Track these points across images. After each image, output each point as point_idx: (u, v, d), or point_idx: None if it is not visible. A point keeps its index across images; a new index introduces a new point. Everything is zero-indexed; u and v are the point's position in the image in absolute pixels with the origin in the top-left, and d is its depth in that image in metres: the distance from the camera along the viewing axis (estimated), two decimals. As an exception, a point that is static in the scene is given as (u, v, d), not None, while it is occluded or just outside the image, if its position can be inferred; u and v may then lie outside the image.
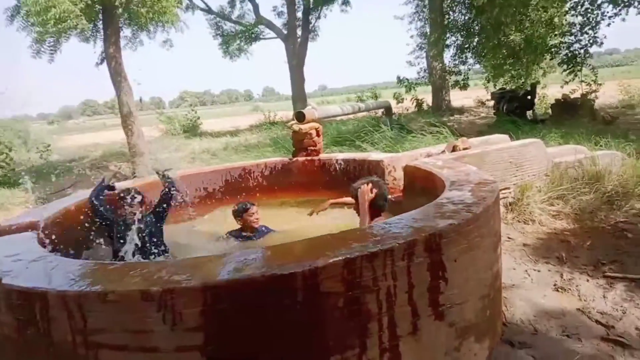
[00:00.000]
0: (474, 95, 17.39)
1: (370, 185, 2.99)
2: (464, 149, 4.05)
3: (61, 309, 1.66)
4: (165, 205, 3.46)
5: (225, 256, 1.85)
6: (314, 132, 4.52)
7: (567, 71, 10.62)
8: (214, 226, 3.91)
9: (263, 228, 3.66)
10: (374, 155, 4.25)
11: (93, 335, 1.66)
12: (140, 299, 1.61)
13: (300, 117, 4.52)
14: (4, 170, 9.58)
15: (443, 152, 4.14)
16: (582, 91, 10.52)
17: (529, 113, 10.10)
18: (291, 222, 3.93)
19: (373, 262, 1.77)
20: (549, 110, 11.23)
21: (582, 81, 10.60)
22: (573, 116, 9.28)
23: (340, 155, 4.54)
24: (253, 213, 3.55)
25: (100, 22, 9.18)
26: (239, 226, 3.60)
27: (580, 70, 10.43)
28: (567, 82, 10.97)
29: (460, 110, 15.41)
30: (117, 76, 9.06)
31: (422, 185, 3.43)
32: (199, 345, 1.63)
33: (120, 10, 8.63)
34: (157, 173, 3.58)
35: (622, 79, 17.70)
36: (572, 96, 10.46)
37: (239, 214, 3.56)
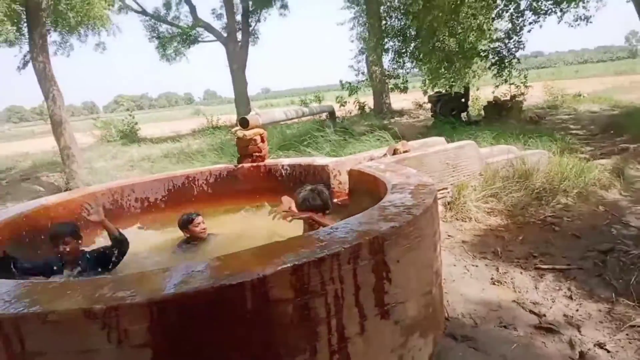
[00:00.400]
0: (412, 97, 18.04)
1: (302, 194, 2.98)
2: (404, 151, 4.22)
3: (-4, 334, 1.57)
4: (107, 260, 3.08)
5: (171, 269, 1.83)
6: (258, 138, 4.52)
7: (497, 75, 11.33)
8: (159, 238, 3.80)
9: (210, 236, 3.62)
10: (319, 160, 4.32)
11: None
12: (83, 317, 1.56)
13: (244, 123, 4.50)
14: None
15: (385, 155, 4.29)
16: (512, 93, 11.26)
17: (463, 115, 10.65)
18: (235, 229, 3.89)
19: (320, 267, 1.82)
20: (482, 112, 11.90)
21: (511, 84, 11.33)
22: (504, 117, 9.89)
23: (285, 160, 4.57)
24: (199, 223, 3.50)
25: (25, 25, 8.63)
26: (186, 237, 3.54)
27: (509, 74, 11.16)
28: (497, 86, 11.69)
29: (401, 113, 15.94)
30: (46, 82, 8.55)
31: (366, 189, 3.54)
32: (148, 361, 1.61)
33: (45, 13, 8.16)
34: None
35: (547, 80, 19.06)
36: (502, 98, 11.15)
37: (185, 225, 3.49)
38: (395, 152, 4.25)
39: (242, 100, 19.86)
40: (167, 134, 19.22)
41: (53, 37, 9.86)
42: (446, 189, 4.38)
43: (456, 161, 4.31)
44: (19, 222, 3.34)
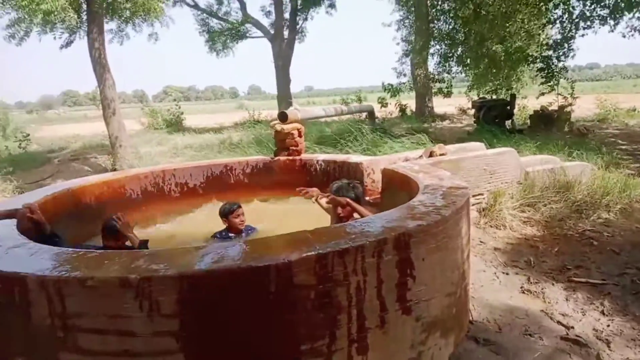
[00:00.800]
0: (457, 103, 17.72)
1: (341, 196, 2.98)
2: (441, 154, 4.19)
3: (40, 293, 1.71)
4: None
5: (203, 248, 1.92)
6: (296, 133, 4.61)
7: (543, 83, 10.94)
8: (197, 226, 3.93)
9: (248, 229, 3.69)
10: (354, 157, 4.36)
11: (72, 319, 1.71)
12: (119, 285, 1.67)
13: (282, 117, 4.60)
14: (-21, 159, 9.42)
15: (420, 157, 4.27)
16: (559, 103, 10.85)
17: (507, 122, 10.38)
18: (272, 220, 3.96)
19: (344, 258, 1.86)
20: (527, 121, 11.54)
21: (559, 94, 10.93)
22: (550, 127, 9.57)
23: (321, 156, 4.63)
24: (239, 215, 3.54)
25: (85, 14, 9.11)
26: (225, 226, 3.61)
27: (557, 83, 10.76)
28: (542, 93, 11.30)
29: (443, 117, 15.70)
30: (100, 68, 8.99)
31: (398, 188, 3.55)
32: (175, 331, 1.70)
33: (104, 3, 8.59)
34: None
35: (601, 93, 18.24)
36: (549, 108, 10.78)
37: (225, 214, 3.57)
38: (431, 155, 4.22)
39: (284, 97, 20.13)
40: (210, 126, 19.72)
41: (110, 25, 10.29)
42: (482, 194, 4.31)
43: (494, 167, 4.24)
44: (65, 196, 3.55)
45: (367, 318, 1.95)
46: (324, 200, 3.24)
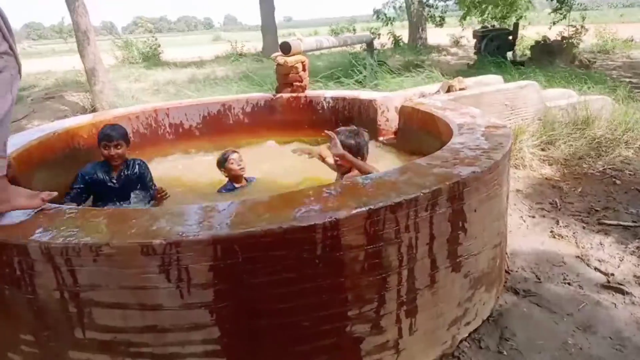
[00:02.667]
0: (450, 34, 16.94)
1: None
2: (460, 89, 3.87)
3: (46, 263, 1.43)
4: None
5: (232, 204, 1.64)
6: (300, 66, 4.19)
7: (556, 10, 10.32)
8: (199, 177, 3.59)
9: (251, 178, 3.36)
10: (365, 94, 4.00)
11: (85, 292, 1.46)
12: (141, 253, 1.40)
13: (285, 48, 4.15)
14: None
15: (437, 92, 3.95)
16: (566, 34, 10.33)
17: (509, 54, 9.94)
18: (275, 166, 3.62)
19: (397, 213, 1.62)
20: (527, 52, 11.11)
21: (569, 25, 10.29)
22: (552, 59, 9.19)
23: (329, 92, 4.25)
24: (233, 161, 3.18)
25: None
26: (226, 178, 3.29)
27: (569, 10, 10.18)
28: (554, 23, 10.78)
29: (437, 49, 15.04)
30: (71, -5, 8.13)
31: (420, 128, 3.27)
32: (208, 302, 1.47)
33: None
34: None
35: (593, 22, 17.63)
36: (551, 39, 10.31)
37: (221, 164, 3.23)
38: (449, 90, 3.90)
39: (269, 28, 18.98)
40: (189, 59, 18.69)
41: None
42: (500, 132, 4.06)
43: (515, 102, 3.96)
44: (52, 140, 3.18)
45: (417, 278, 1.75)
46: (327, 156, 2.90)
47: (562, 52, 9.49)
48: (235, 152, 3.28)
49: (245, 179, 3.29)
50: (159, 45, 18.03)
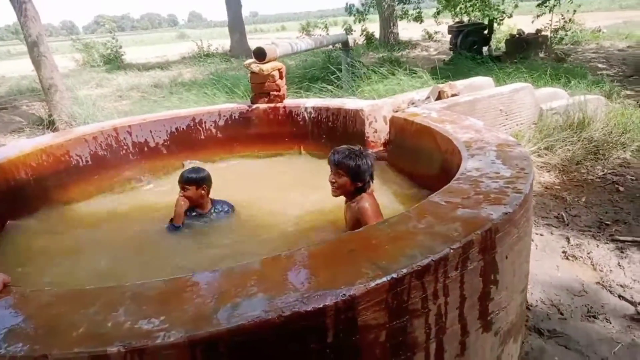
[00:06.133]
0: (421, 28, 16.71)
1: None
2: (452, 95, 3.57)
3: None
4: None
5: (215, 276, 1.27)
6: (276, 74, 3.80)
7: (540, 4, 10.08)
8: (159, 195, 3.16)
9: (220, 206, 2.78)
10: (350, 102, 3.65)
11: None
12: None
13: (260, 54, 3.75)
14: None
15: (428, 98, 3.64)
16: (553, 26, 10.14)
17: (484, 49, 9.78)
18: (255, 188, 3.19)
19: (424, 278, 1.29)
20: (501, 46, 10.99)
21: (564, 17, 9.97)
22: (527, 53, 9.07)
23: (310, 101, 3.87)
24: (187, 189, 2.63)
25: None
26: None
27: (557, 3, 9.93)
28: (538, 16, 10.62)
29: (410, 44, 14.79)
30: (18, -2, 7.43)
31: (415, 143, 2.94)
32: None
33: None
34: None
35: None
36: (525, 32, 10.20)
37: (183, 184, 2.65)
38: (440, 96, 3.60)
39: (236, 26, 18.38)
40: (154, 60, 17.93)
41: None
42: (494, 139, 3.79)
43: (510, 107, 3.69)
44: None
45: (446, 350, 1.43)
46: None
47: (537, 45, 9.39)
48: (197, 175, 2.69)
49: (212, 203, 2.76)
50: (121, 47, 17.21)
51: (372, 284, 1.19)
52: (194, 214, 2.73)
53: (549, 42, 9.49)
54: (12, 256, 2.43)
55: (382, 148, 3.49)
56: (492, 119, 3.63)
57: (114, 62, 16.39)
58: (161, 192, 3.36)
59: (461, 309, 1.43)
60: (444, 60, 9.77)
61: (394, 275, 1.23)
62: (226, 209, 2.79)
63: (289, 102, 3.95)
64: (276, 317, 1.10)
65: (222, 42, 19.39)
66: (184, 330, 1.07)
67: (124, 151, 3.63)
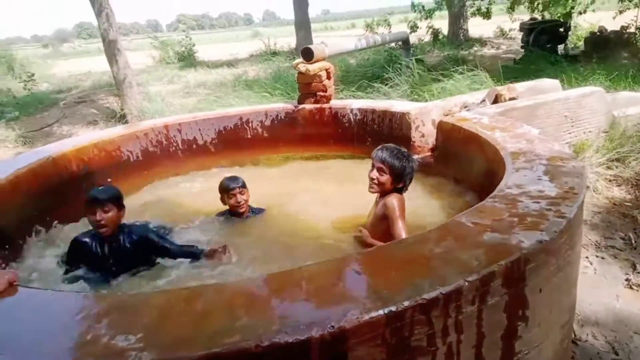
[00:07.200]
0: (494, 25, 15.83)
1: None
2: (511, 99, 3.28)
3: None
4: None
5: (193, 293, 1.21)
6: (324, 74, 3.72)
7: None
8: (203, 193, 3.19)
9: (253, 210, 2.81)
10: (397, 105, 3.48)
11: None
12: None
13: (307, 54, 3.68)
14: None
15: (483, 101, 3.38)
16: (639, 22, 9.15)
17: (560, 48, 9.04)
18: (294, 190, 3.13)
19: (430, 313, 1.14)
20: (580, 45, 10.10)
21: None
22: (609, 52, 8.24)
23: (356, 103, 3.75)
24: (234, 195, 2.66)
25: None
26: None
27: None
28: (621, 11, 9.64)
29: (480, 42, 14.06)
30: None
31: (462, 150, 2.73)
32: None
33: None
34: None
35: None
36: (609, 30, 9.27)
37: (222, 192, 2.74)
38: (497, 99, 3.32)
39: (302, 23, 18.49)
40: (224, 58, 18.51)
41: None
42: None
43: (578, 113, 3.33)
44: (45, 166, 2.86)
45: (459, 396, 1.26)
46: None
47: (620, 44, 8.50)
48: (238, 184, 2.72)
49: (251, 208, 2.80)
50: (194, 45, 17.95)
51: (366, 317, 1.08)
52: (232, 215, 2.78)
53: (634, 40, 8.55)
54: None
55: (429, 153, 3.30)
56: (556, 126, 3.30)
57: (187, 59, 17.13)
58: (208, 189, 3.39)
59: (478, 348, 1.27)
60: (514, 59, 9.16)
61: (393, 309, 1.10)
62: (257, 211, 2.83)
63: (336, 103, 3.85)
64: (253, 346, 1.02)
65: (289, 40, 19.63)
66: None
67: (173, 148, 3.73)
